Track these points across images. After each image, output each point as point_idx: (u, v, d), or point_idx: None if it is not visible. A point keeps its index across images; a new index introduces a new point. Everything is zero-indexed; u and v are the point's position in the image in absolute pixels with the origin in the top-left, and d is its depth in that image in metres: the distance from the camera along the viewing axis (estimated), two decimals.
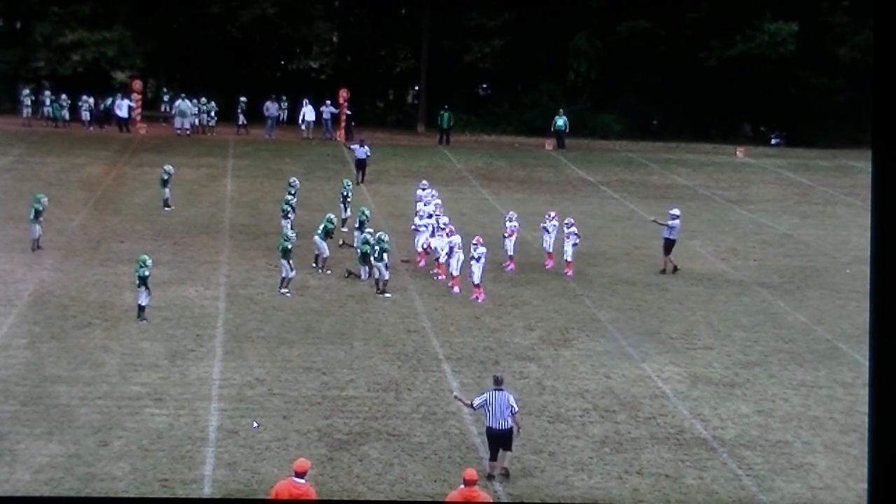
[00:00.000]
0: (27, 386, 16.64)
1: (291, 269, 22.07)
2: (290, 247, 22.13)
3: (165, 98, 47.47)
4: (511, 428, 14.17)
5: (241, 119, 43.31)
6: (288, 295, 21.90)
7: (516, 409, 14.26)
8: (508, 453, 14.29)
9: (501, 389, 14.27)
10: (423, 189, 28.07)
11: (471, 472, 12.23)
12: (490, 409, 14.11)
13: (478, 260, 22.22)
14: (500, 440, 14.19)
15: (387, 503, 13.59)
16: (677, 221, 25.36)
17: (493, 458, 14.28)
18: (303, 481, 11.88)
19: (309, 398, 16.80)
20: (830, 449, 15.97)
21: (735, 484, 14.68)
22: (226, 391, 16.90)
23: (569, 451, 15.39)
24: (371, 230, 24.40)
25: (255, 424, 15.56)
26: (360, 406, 16.61)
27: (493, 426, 14.14)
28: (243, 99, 43.31)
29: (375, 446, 15.17)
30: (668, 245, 25.45)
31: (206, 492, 13.55)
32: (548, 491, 14.10)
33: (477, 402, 14.38)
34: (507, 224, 25.39)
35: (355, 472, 14.35)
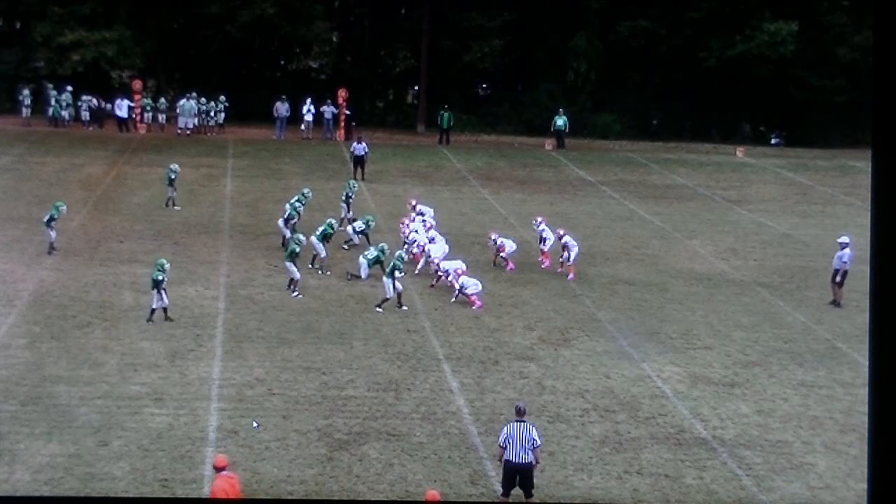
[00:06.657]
0: (27, 386, 16.65)
1: (298, 271, 22.09)
2: (298, 250, 22.24)
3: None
4: (531, 463, 13.23)
5: (221, 118, 43.14)
6: (300, 297, 21.87)
7: (538, 443, 13.36)
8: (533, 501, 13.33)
9: (523, 421, 13.40)
10: (413, 209, 26.91)
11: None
12: (511, 441, 13.16)
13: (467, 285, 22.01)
14: (518, 475, 13.22)
15: (387, 503, 13.59)
16: (847, 251, 22.94)
17: (507, 493, 13.35)
18: (230, 473, 12.35)
19: (309, 398, 16.81)
20: (830, 449, 15.98)
21: (735, 484, 14.68)
22: (225, 391, 16.91)
23: (569, 451, 15.39)
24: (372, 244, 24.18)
25: (256, 424, 15.57)
26: (360, 406, 16.61)
27: (513, 460, 13.15)
28: (223, 98, 43.21)
29: (375, 446, 15.18)
30: (837, 275, 23.24)
31: (206, 492, 13.53)
32: (548, 491, 14.08)
33: (500, 439, 13.38)
34: (496, 242, 25.02)
35: (355, 472, 14.36)
